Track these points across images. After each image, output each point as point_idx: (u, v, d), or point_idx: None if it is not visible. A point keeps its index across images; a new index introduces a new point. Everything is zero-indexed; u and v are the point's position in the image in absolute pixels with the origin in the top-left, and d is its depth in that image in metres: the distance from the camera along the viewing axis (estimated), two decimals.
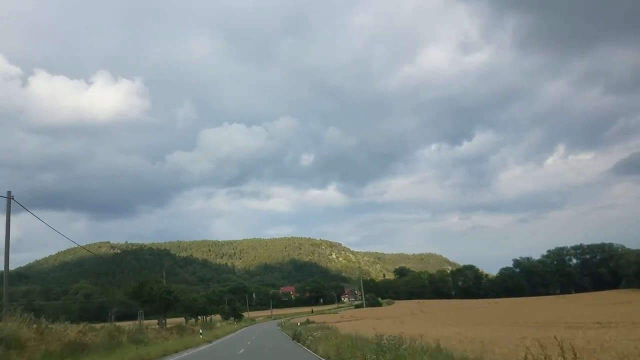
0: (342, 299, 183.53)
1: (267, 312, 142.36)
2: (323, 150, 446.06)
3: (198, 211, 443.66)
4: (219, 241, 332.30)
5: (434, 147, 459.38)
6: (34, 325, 16.26)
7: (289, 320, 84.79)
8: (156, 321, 46.27)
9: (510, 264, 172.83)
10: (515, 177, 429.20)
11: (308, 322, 59.41)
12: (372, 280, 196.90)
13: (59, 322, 20.48)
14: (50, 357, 15.01)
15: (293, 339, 33.85)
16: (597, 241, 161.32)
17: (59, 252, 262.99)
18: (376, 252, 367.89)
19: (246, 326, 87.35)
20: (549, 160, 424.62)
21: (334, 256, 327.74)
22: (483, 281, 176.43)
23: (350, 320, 69.34)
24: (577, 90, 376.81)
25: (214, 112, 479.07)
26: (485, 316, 56.46)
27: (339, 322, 56.59)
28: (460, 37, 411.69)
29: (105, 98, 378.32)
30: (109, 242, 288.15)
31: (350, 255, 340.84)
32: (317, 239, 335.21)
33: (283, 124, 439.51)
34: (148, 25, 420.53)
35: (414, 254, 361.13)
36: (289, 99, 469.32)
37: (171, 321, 56.41)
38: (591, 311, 46.60)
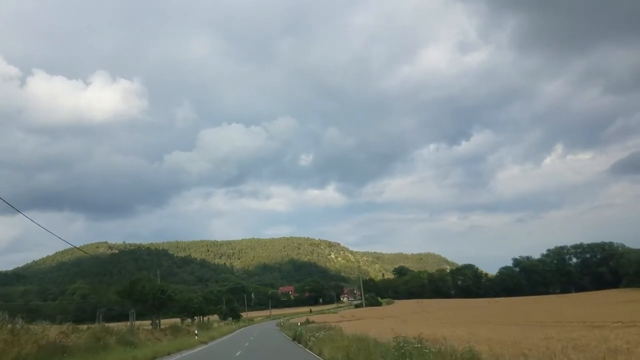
0: (342, 298, 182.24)
1: (265, 312, 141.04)
2: (322, 150, 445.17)
3: (196, 211, 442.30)
4: (217, 241, 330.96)
5: (432, 147, 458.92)
6: (9, 326, 14.73)
7: (288, 320, 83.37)
8: (150, 322, 44.64)
9: (508, 264, 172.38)
10: (513, 177, 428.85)
11: (308, 322, 58.13)
12: (372, 280, 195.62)
13: (41, 323, 18.87)
14: None
15: (293, 339, 32.31)
16: (595, 241, 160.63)
17: (56, 252, 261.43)
18: (375, 252, 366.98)
19: (244, 326, 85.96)
20: (547, 160, 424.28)
21: (332, 256, 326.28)
22: (482, 280, 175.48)
23: (351, 320, 68.03)
24: (576, 90, 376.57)
25: (213, 112, 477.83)
26: (490, 315, 55.08)
27: (339, 321, 55.25)
28: (460, 37, 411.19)
29: (104, 98, 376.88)
30: (106, 242, 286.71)
31: (349, 255, 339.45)
32: (316, 238, 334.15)
33: (282, 124, 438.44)
34: (148, 25, 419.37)
35: (412, 254, 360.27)
36: (288, 99, 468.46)
37: (167, 322, 54.91)
38: (605, 310, 45.11)
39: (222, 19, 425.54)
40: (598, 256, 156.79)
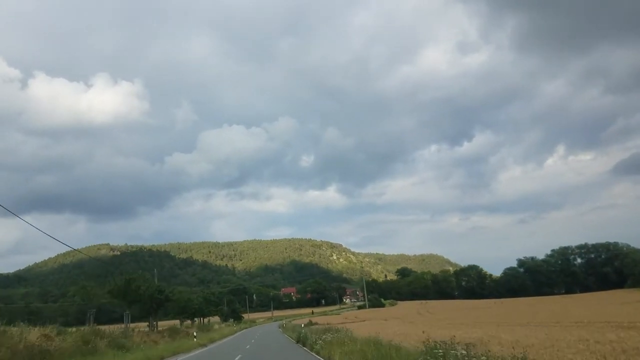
0: (344, 300, 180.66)
1: (267, 314, 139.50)
2: (322, 151, 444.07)
3: (198, 213, 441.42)
4: (219, 243, 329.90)
5: (433, 147, 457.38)
6: None
7: (290, 321, 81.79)
8: (147, 324, 43.01)
9: (510, 265, 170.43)
10: (514, 178, 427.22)
11: (311, 323, 56.64)
12: (374, 281, 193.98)
13: (23, 325, 17.33)
14: None
15: (297, 342, 30.71)
16: (597, 242, 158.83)
17: (58, 254, 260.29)
18: (377, 253, 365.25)
19: (246, 328, 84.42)
20: (549, 161, 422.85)
21: (334, 257, 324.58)
22: (487, 281, 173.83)
23: (355, 321, 66.50)
24: (577, 90, 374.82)
25: (213, 113, 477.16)
26: (500, 316, 53.36)
27: (343, 323, 53.65)
28: (460, 37, 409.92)
29: (105, 100, 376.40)
30: (108, 244, 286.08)
31: (351, 256, 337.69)
32: (318, 240, 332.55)
33: (282, 125, 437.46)
34: (148, 26, 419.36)
35: (414, 255, 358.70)
36: (288, 99, 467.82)
37: (166, 324, 53.42)
38: (620, 310, 43.35)
39: (222, 19, 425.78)
40: (603, 256, 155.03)
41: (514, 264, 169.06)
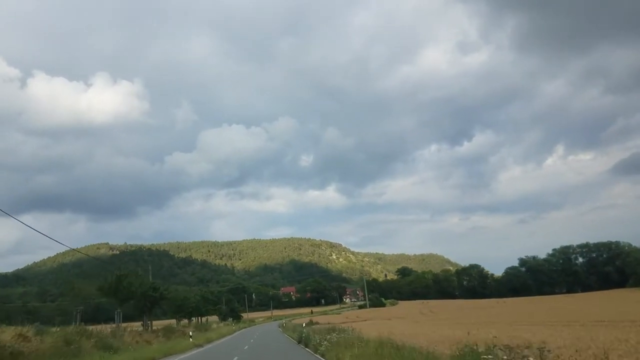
0: (344, 299, 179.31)
1: (267, 313, 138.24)
2: (322, 150, 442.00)
3: (197, 212, 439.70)
4: (218, 242, 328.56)
5: (433, 147, 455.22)
6: None
7: (290, 321, 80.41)
8: (141, 323, 41.43)
9: (510, 264, 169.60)
10: (514, 178, 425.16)
11: (312, 323, 55.19)
12: (375, 280, 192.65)
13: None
14: None
15: (299, 343, 29.21)
16: (597, 241, 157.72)
17: (57, 253, 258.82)
18: (377, 253, 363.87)
19: (245, 327, 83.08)
20: (549, 161, 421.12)
21: (334, 257, 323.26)
22: (488, 281, 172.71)
23: (356, 320, 65.16)
24: (577, 90, 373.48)
25: (213, 112, 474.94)
26: (507, 315, 51.94)
27: (344, 322, 52.37)
28: (460, 37, 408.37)
29: (105, 100, 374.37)
30: (108, 244, 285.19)
31: (351, 255, 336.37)
32: (317, 239, 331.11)
33: (282, 125, 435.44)
34: (148, 26, 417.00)
35: (415, 255, 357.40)
36: (288, 99, 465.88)
37: (162, 323, 51.79)
38: (636, 308, 41.79)
39: (222, 19, 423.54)
40: (604, 256, 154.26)
41: (514, 264, 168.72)
